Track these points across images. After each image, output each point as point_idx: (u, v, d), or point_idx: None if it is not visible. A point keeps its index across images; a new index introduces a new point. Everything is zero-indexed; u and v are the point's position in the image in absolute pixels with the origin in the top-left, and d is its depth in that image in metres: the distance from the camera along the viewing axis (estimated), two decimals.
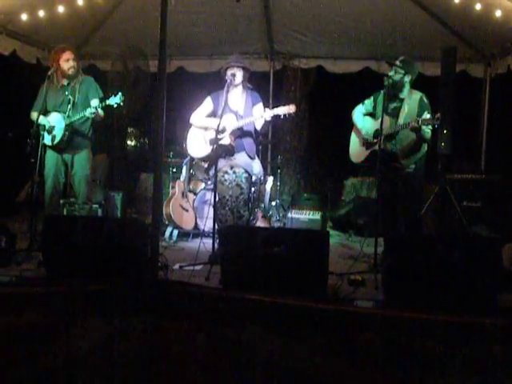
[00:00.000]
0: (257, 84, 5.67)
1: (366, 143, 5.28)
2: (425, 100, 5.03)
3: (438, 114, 4.64)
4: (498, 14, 5.86)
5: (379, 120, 4.85)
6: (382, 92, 5.15)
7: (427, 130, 4.80)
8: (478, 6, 5.88)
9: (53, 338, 3.33)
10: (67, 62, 5.45)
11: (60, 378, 3.25)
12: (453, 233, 6.33)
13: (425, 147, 5.04)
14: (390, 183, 5.09)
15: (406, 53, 5.35)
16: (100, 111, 5.39)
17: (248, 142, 5.32)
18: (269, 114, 5.06)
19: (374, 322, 3.27)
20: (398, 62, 5.04)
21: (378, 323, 3.25)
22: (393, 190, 5.12)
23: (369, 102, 5.38)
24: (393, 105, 5.12)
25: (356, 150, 5.45)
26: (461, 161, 7.27)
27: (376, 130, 5.07)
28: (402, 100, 5.07)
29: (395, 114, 5.05)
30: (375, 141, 5.09)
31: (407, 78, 5.03)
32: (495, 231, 6.18)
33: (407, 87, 5.08)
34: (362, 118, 5.36)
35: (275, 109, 5.06)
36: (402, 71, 4.99)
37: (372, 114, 5.33)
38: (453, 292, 3.50)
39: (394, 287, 3.73)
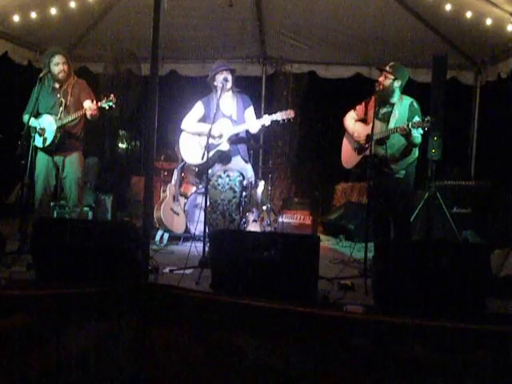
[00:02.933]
0: (249, 88, 5.69)
1: (358, 148, 5.30)
2: (415, 105, 5.05)
3: (428, 117, 4.66)
4: (489, 22, 5.91)
5: (370, 125, 4.88)
6: (373, 98, 5.18)
7: (417, 135, 4.82)
8: (469, 14, 5.93)
9: (43, 341, 3.31)
10: (57, 66, 5.42)
11: (51, 381, 3.23)
12: (442, 239, 6.36)
13: (416, 153, 5.06)
14: (381, 188, 5.11)
15: (398, 59, 5.37)
16: (94, 109, 5.33)
17: (242, 147, 5.35)
18: (268, 119, 5.08)
19: (363, 327, 3.28)
20: (387, 68, 5.07)
21: (368, 328, 3.26)
22: (383, 196, 5.14)
23: (360, 108, 5.41)
24: (383, 110, 5.14)
25: (348, 155, 5.47)
26: (451, 167, 7.32)
27: (367, 135, 5.10)
28: (392, 105, 5.10)
29: (386, 119, 5.07)
30: (367, 146, 5.11)
31: (397, 84, 5.05)
32: (485, 237, 6.22)
33: (398, 92, 5.10)
34: (354, 124, 5.38)
35: (274, 114, 5.08)
36: (392, 77, 5.01)
37: (363, 120, 5.35)
38: (442, 297, 3.52)
39: (384, 292, 3.74)
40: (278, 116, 5.06)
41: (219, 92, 5.14)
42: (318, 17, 7.03)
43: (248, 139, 5.55)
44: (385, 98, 5.10)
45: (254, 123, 5.17)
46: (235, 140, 5.25)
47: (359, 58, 8.01)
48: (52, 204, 5.89)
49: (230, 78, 5.23)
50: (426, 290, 3.56)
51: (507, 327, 3.16)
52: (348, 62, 8.20)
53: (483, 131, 7.94)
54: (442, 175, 6.92)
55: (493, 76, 7.42)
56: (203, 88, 5.64)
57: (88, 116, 5.33)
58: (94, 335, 3.40)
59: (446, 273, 3.54)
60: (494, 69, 7.36)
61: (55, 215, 6.07)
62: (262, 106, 8.60)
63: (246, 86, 5.60)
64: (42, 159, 5.47)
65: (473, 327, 3.15)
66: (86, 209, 6.47)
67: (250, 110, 5.34)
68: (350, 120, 5.43)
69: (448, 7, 5.92)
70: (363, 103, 5.39)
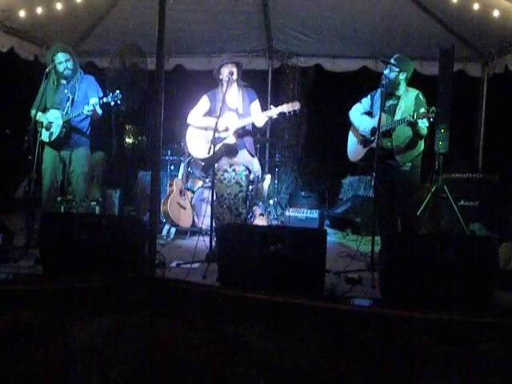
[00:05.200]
0: (255, 82, 5.68)
1: (364, 141, 5.29)
2: (421, 97, 5.03)
3: (433, 108, 4.64)
4: (496, 13, 5.86)
5: (376, 118, 4.87)
6: (378, 90, 5.16)
7: (423, 126, 4.80)
8: (476, 6, 5.88)
9: (50, 336, 3.33)
10: (61, 65, 5.41)
11: (58, 375, 3.25)
12: (450, 232, 6.34)
13: (421, 145, 5.05)
14: (387, 181, 5.10)
15: (404, 52, 5.35)
16: (98, 109, 5.37)
17: (248, 140, 5.34)
18: (274, 111, 5.07)
19: (371, 321, 3.28)
20: (392, 60, 5.05)
21: (375, 321, 3.26)
22: (389, 189, 5.13)
23: (366, 101, 5.39)
24: (389, 102, 5.12)
25: (353, 148, 5.46)
26: (458, 160, 7.29)
27: (373, 128, 5.09)
28: (398, 97, 5.08)
29: (392, 111, 5.05)
30: (372, 138, 5.10)
31: (402, 76, 5.03)
32: (492, 230, 6.20)
33: (403, 85, 5.08)
34: (360, 117, 5.37)
35: (280, 106, 5.07)
36: (397, 69, 4.99)
37: (369, 113, 5.33)
38: (450, 291, 3.51)
39: (391, 286, 3.73)
40: (284, 108, 5.05)
41: (225, 85, 5.13)
42: (323, 10, 6.99)
43: (254, 133, 5.54)
44: (391, 91, 5.08)
45: (259, 116, 5.17)
46: (241, 133, 5.25)
47: (366, 51, 7.98)
48: (59, 199, 5.89)
49: (235, 71, 5.22)
50: (434, 283, 3.55)
51: None
52: (354, 55, 8.17)
53: (490, 123, 7.90)
54: (450, 168, 6.89)
55: (500, 68, 7.37)
56: (209, 82, 5.63)
57: (85, 112, 5.31)
58: (102, 329, 3.41)
59: (454, 266, 3.53)
60: (502, 61, 7.31)
61: (62, 210, 6.07)
62: (269, 99, 8.58)
63: (252, 80, 5.59)
64: (48, 154, 5.48)
65: (480, 320, 3.15)
66: (92, 203, 6.49)
67: (256, 104, 5.34)
68: (356, 113, 5.42)
69: None
70: (369, 96, 5.37)
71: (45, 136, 5.38)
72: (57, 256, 4.07)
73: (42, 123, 5.35)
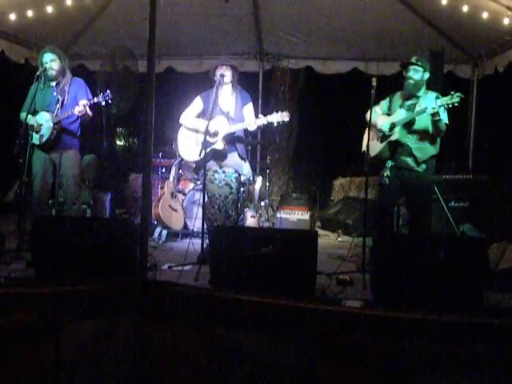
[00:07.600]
0: (246, 84, 5.68)
1: (381, 137, 5.21)
2: (441, 97, 4.96)
3: (458, 93, 4.61)
4: (485, 15, 5.91)
5: (395, 114, 4.90)
6: (398, 93, 5.15)
7: (444, 118, 4.77)
8: (465, 8, 5.93)
9: (41, 339, 3.32)
10: (46, 64, 5.39)
11: (48, 378, 3.24)
12: (440, 233, 6.36)
13: (438, 145, 4.99)
14: (396, 185, 5.03)
15: (394, 53, 5.37)
16: (88, 110, 5.37)
17: (239, 144, 5.33)
18: (262, 121, 5.06)
19: (362, 322, 3.29)
20: (414, 61, 5.00)
21: (366, 323, 3.27)
22: (396, 193, 5.10)
23: (384, 103, 5.30)
24: (409, 102, 5.05)
25: (370, 143, 5.31)
26: (448, 161, 7.31)
27: (392, 123, 5.03)
28: (418, 97, 5.02)
29: (411, 109, 4.97)
30: (390, 133, 5.03)
31: (426, 76, 5.01)
32: (483, 231, 6.22)
33: (424, 85, 5.06)
34: (377, 117, 5.26)
35: (269, 116, 5.06)
36: (421, 69, 4.96)
37: (387, 115, 5.26)
38: (440, 292, 3.53)
39: (382, 287, 3.75)
40: (273, 118, 5.02)
41: (217, 87, 5.13)
42: (314, 12, 7.02)
43: (246, 136, 5.53)
44: (413, 92, 5.02)
45: (251, 122, 5.16)
46: (230, 139, 5.23)
47: (356, 53, 8.00)
48: (50, 202, 5.88)
49: (228, 73, 5.21)
50: (425, 283, 3.56)
51: (505, 320, 3.17)
52: (345, 57, 8.19)
53: (481, 125, 7.94)
54: (440, 169, 6.91)
55: (490, 70, 7.42)
56: (200, 84, 5.64)
57: (76, 112, 5.31)
58: (93, 333, 3.41)
59: (444, 266, 3.55)
60: (491, 62, 7.36)
61: (53, 213, 6.06)
62: (259, 101, 8.59)
63: (242, 82, 5.59)
64: (39, 157, 5.46)
65: (471, 321, 3.16)
66: (84, 206, 6.48)
67: (249, 107, 5.33)
68: (374, 114, 5.25)
69: (444, 1, 5.92)
70: (387, 98, 5.30)
71: (35, 138, 5.36)
72: (48, 259, 4.05)
73: (32, 126, 5.33)
